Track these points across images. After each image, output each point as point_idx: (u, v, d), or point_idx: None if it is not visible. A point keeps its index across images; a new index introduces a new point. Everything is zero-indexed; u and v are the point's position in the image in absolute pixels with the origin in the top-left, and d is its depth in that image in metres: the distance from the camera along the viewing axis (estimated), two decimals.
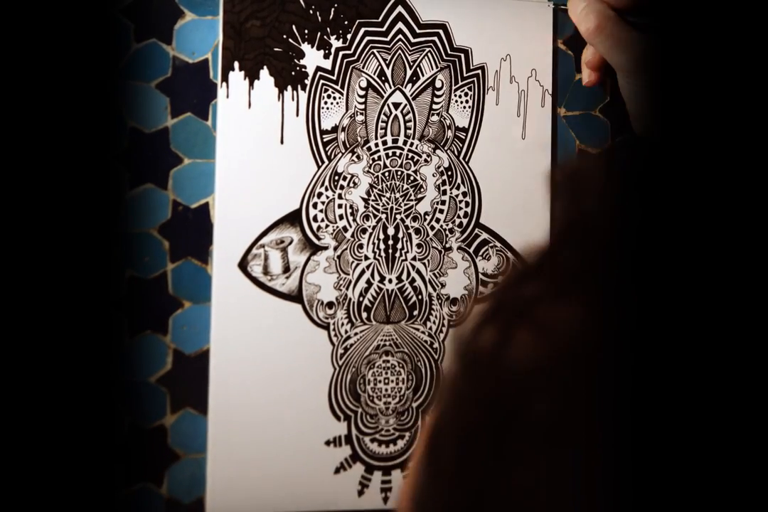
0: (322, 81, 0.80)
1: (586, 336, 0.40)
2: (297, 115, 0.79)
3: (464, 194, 0.82)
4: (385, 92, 0.81)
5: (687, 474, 0.38)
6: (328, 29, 0.80)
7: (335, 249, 0.80)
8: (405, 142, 0.81)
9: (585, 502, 0.38)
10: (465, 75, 0.82)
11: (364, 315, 0.81)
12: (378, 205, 0.81)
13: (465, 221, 0.83)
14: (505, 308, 0.43)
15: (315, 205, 0.80)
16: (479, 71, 0.83)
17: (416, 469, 0.44)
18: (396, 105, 0.81)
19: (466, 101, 0.82)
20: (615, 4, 0.79)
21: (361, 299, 0.81)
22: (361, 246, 0.81)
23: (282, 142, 0.79)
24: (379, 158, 0.81)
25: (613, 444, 0.38)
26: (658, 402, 0.38)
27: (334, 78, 0.80)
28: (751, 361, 0.39)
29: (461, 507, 0.40)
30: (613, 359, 0.39)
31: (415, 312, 0.82)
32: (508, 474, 0.39)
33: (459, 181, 0.82)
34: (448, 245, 0.82)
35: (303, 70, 0.79)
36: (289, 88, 0.79)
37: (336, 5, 0.80)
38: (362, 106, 0.81)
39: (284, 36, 0.79)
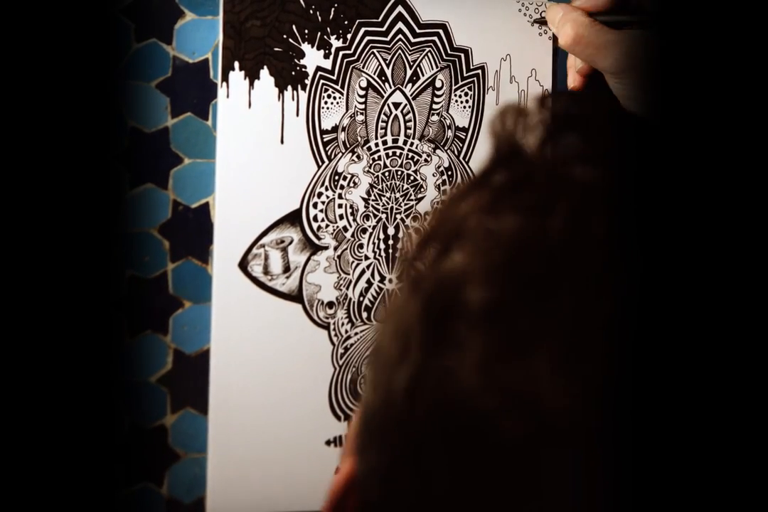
0: (322, 81, 0.80)
1: (518, 237, 0.42)
2: (297, 114, 0.79)
3: None
4: (385, 92, 0.81)
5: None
6: (328, 29, 0.80)
7: (335, 249, 0.80)
8: (405, 142, 0.81)
9: (522, 380, 0.39)
10: (465, 75, 0.82)
11: (365, 315, 0.81)
12: (378, 204, 0.81)
13: None
14: (440, 226, 0.45)
15: (315, 205, 0.80)
16: (479, 71, 0.83)
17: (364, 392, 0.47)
18: (396, 105, 0.81)
19: (466, 101, 0.82)
20: (589, 8, 0.79)
21: (361, 299, 0.81)
22: (361, 246, 0.81)
23: (282, 141, 0.79)
24: (379, 158, 0.81)
25: (540, 324, 0.40)
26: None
27: (334, 78, 0.80)
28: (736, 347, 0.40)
29: (401, 389, 0.42)
30: (538, 253, 0.41)
31: None
32: (442, 359, 0.41)
33: (459, 180, 0.82)
34: None
35: (303, 69, 0.79)
36: (289, 87, 0.79)
37: (336, 5, 0.80)
38: (362, 106, 0.81)
39: (284, 36, 0.79)
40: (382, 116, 0.81)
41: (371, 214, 0.81)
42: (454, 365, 0.41)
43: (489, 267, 0.41)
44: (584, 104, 0.48)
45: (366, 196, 0.81)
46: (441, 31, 0.82)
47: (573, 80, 0.83)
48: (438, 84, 0.82)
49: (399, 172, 0.81)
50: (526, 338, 0.40)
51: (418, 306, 0.43)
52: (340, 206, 0.80)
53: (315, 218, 0.80)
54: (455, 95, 0.82)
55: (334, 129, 0.80)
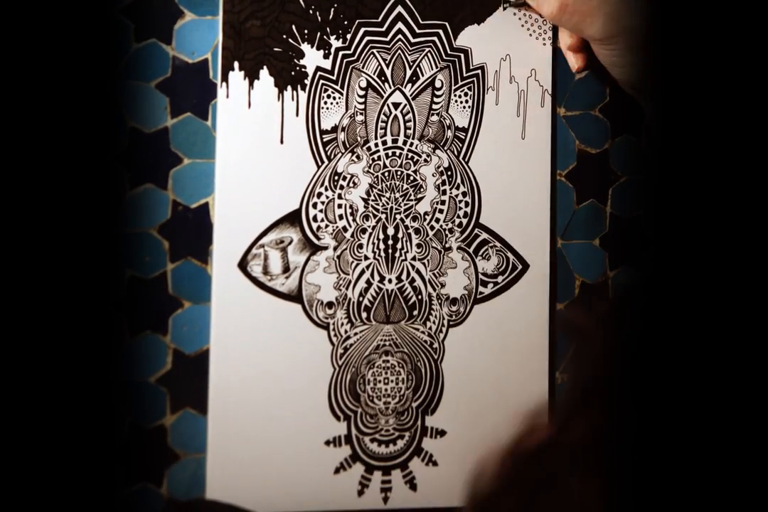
0: (321, 81, 0.80)
1: (606, 503, 0.40)
2: (297, 115, 0.79)
3: (464, 194, 0.82)
4: (384, 92, 0.81)
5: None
6: (328, 29, 0.80)
7: (335, 249, 0.80)
8: (405, 142, 0.81)
9: None
10: (465, 75, 0.82)
11: (364, 315, 0.81)
12: (378, 204, 0.81)
13: (465, 221, 0.83)
14: (524, 478, 0.43)
15: (315, 205, 0.80)
16: (479, 71, 0.83)
17: None
18: (396, 105, 0.81)
19: (466, 101, 0.83)
20: None
21: (360, 299, 0.81)
22: (360, 246, 0.81)
23: (282, 141, 0.79)
24: (379, 158, 0.81)
25: None
26: None
27: (334, 78, 0.80)
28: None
29: None
30: None
31: (415, 312, 0.82)
32: None
33: (459, 180, 0.82)
34: (447, 245, 0.82)
35: (303, 70, 0.79)
36: (289, 88, 0.79)
37: (336, 5, 0.80)
38: (362, 106, 0.81)
39: (284, 36, 0.79)
40: (382, 116, 0.81)
41: (371, 214, 0.81)
42: None
43: None
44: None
45: (366, 196, 0.81)
46: (441, 31, 0.82)
47: (575, 61, 0.83)
48: (438, 84, 0.82)
49: (399, 172, 0.81)
50: None
51: None
52: (339, 206, 0.80)
53: (314, 218, 0.80)
54: (455, 95, 0.82)
55: (334, 129, 0.80)
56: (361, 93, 0.81)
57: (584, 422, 0.43)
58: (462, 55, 0.82)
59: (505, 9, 0.83)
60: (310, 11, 0.79)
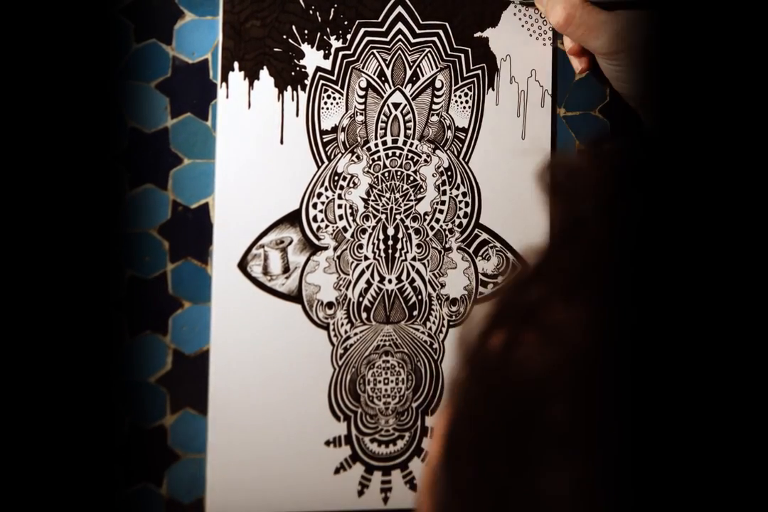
0: (321, 81, 0.80)
1: (593, 338, 0.40)
2: (297, 115, 0.79)
3: (464, 194, 0.82)
4: (384, 92, 0.81)
5: (692, 469, 0.38)
6: (328, 29, 0.80)
7: (335, 249, 0.80)
8: (405, 143, 0.81)
9: (611, 503, 0.38)
10: (465, 75, 0.82)
11: (364, 315, 0.81)
12: (378, 205, 0.81)
13: (465, 221, 0.83)
14: (510, 312, 0.43)
15: (315, 205, 0.80)
16: (479, 71, 0.83)
17: (434, 484, 0.44)
18: (396, 105, 0.81)
19: (466, 101, 0.82)
20: None
21: (360, 299, 0.81)
22: (360, 246, 0.81)
23: (282, 142, 0.79)
24: (379, 158, 0.81)
25: (624, 446, 0.38)
26: (661, 401, 0.38)
27: (334, 78, 0.80)
28: (750, 361, 0.39)
29: None
30: (619, 361, 0.39)
31: (415, 313, 0.82)
32: (532, 482, 0.39)
33: (459, 181, 0.82)
34: (447, 245, 0.82)
35: (303, 70, 0.79)
36: (289, 88, 0.79)
37: (336, 5, 0.80)
38: (362, 107, 0.81)
39: (284, 36, 0.79)
40: (382, 116, 0.81)
41: (371, 215, 0.81)
42: (543, 489, 0.38)
43: (570, 375, 0.39)
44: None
45: (366, 197, 0.81)
46: (441, 32, 0.82)
47: (578, 63, 0.83)
48: (438, 84, 0.82)
49: (399, 173, 0.81)
50: (622, 460, 0.38)
51: (495, 419, 0.40)
52: (339, 206, 0.80)
53: (315, 218, 0.80)
54: (455, 95, 0.82)
55: (334, 129, 0.80)
56: (361, 93, 0.81)
57: (573, 254, 0.43)
58: (462, 56, 0.82)
59: (516, 6, 0.83)
60: (310, 11, 0.79)
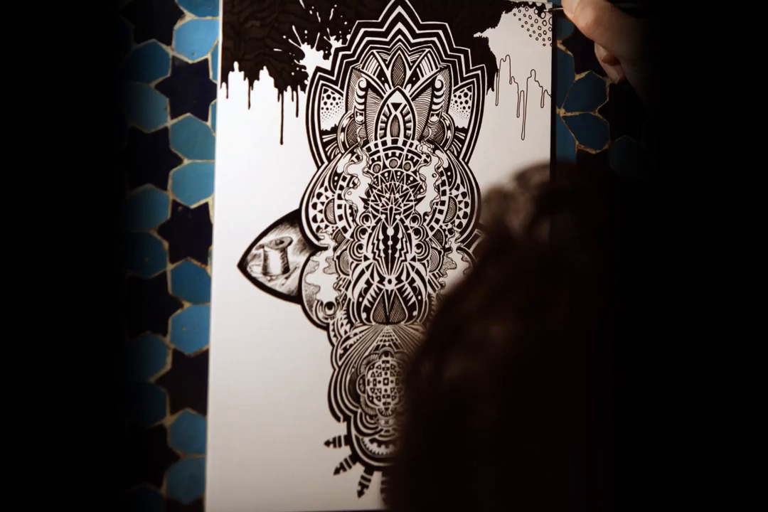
0: (321, 81, 0.80)
1: (514, 345, 0.40)
2: (297, 115, 0.79)
3: (464, 194, 0.82)
4: (384, 93, 0.81)
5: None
6: (328, 30, 0.80)
7: (335, 249, 0.80)
8: (404, 143, 0.81)
9: (538, 497, 0.38)
10: (464, 75, 0.82)
11: (364, 315, 0.81)
12: (377, 205, 0.81)
13: (464, 221, 0.83)
14: (438, 333, 0.44)
15: (314, 206, 0.80)
16: (479, 72, 0.83)
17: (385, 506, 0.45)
18: (395, 105, 0.81)
19: (466, 102, 0.83)
20: None
21: (360, 299, 0.81)
22: (360, 246, 0.81)
23: (282, 142, 0.79)
24: (379, 159, 0.81)
25: (546, 443, 0.39)
26: (581, 401, 0.39)
27: (334, 78, 0.80)
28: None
29: None
30: (539, 366, 0.40)
31: (415, 313, 0.82)
32: (464, 488, 0.40)
33: (458, 181, 0.82)
34: (447, 245, 0.82)
35: (303, 70, 0.79)
36: (289, 88, 0.79)
37: (336, 6, 0.80)
38: (362, 107, 0.81)
39: (284, 36, 0.79)
40: (382, 117, 0.81)
41: (371, 215, 0.81)
42: (468, 495, 0.40)
43: (490, 386, 0.40)
44: (576, 178, 0.47)
45: (365, 197, 0.81)
46: (440, 32, 0.82)
47: (614, 72, 0.83)
48: (437, 84, 0.82)
49: (398, 173, 0.81)
50: (541, 463, 0.39)
51: (424, 436, 0.41)
52: (339, 207, 0.80)
53: (314, 219, 0.80)
54: (455, 96, 0.82)
55: (334, 129, 0.80)
56: (361, 93, 0.81)
57: (494, 270, 0.44)
58: (462, 56, 0.82)
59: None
60: (310, 12, 0.79)
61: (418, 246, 0.82)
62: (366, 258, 0.81)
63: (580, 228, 0.43)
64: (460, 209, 0.82)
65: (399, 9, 0.81)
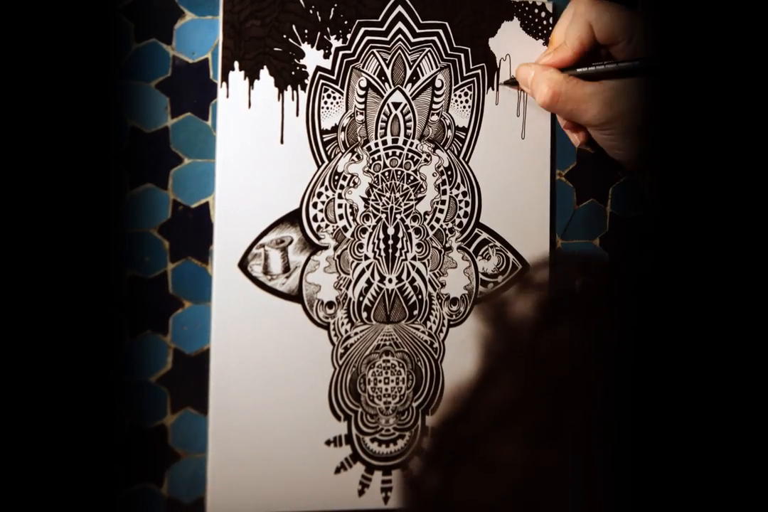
0: (322, 81, 0.80)
1: (528, 470, 0.40)
2: (297, 114, 0.79)
3: (464, 194, 0.82)
4: (384, 92, 0.81)
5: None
6: (328, 29, 0.80)
7: (335, 248, 0.80)
8: (405, 142, 0.81)
9: None
10: (465, 75, 0.82)
11: (364, 314, 0.81)
12: (378, 204, 0.81)
13: (465, 221, 0.83)
14: (445, 448, 0.44)
15: (315, 205, 0.80)
16: (479, 71, 0.83)
17: None
18: (396, 105, 0.81)
19: (466, 101, 0.83)
20: (560, 64, 0.79)
21: (361, 299, 0.81)
22: (361, 245, 0.81)
23: (282, 141, 0.79)
24: (379, 158, 0.81)
25: None
26: None
27: (334, 78, 0.80)
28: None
29: None
30: (559, 493, 0.40)
31: (415, 312, 0.82)
32: None
33: (459, 180, 0.82)
34: (448, 245, 0.82)
35: (303, 69, 0.79)
36: (289, 87, 0.79)
37: (336, 5, 0.80)
38: (362, 106, 0.81)
39: (284, 36, 0.79)
40: (382, 116, 0.81)
41: (371, 214, 0.81)
42: None
43: (516, 504, 0.40)
44: (578, 277, 0.47)
45: (366, 196, 0.81)
46: (441, 31, 0.82)
47: (576, 138, 0.83)
48: (438, 84, 0.82)
49: (399, 172, 0.81)
50: None
51: None
52: (339, 206, 0.80)
53: (315, 218, 0.80)
54: (455, 95, 0.82)
55: (334, 129, 0.80)
56: (361, 93, 0.81)
57: (495, 391, 0.44)
58: (462, 55, 0.82)
59: (496, 89, 0.83)
60: (310, 11, 0.79)
61: (419, 245, 0.82)
62: (366, 258, 0.81)
63: (586, 339, 0.43)
64: (461, 208, 0.82)
65: (399, 8, 0.81)
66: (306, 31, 0.79)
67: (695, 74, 0.59)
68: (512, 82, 0.83)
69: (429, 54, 0.82)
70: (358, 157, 0.81)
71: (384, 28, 0.81)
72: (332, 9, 0.80)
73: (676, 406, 0.40)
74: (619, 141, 0.79)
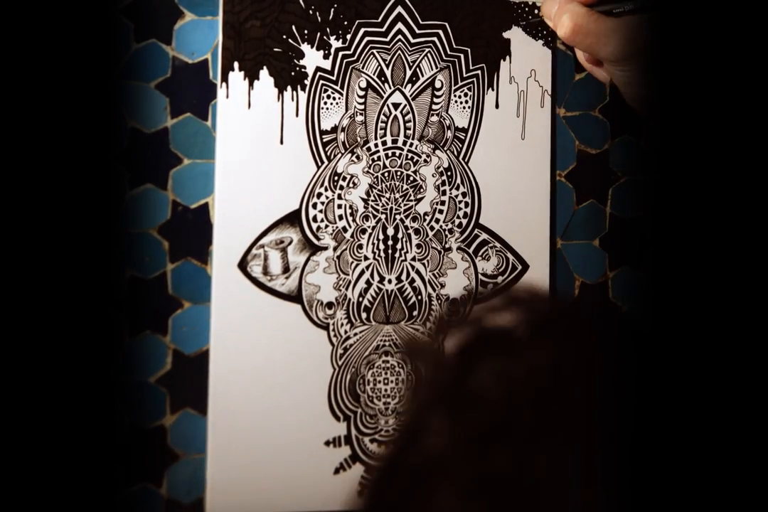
0: (321, 81, 0.80)
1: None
2: (297, 115, 0.79)
3: (464, 194, 0.82)
4: (384, 92, 0.81)
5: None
6: (328, 29, 0.80)
7: (335, 249, 0.80)
8: (404, 143, 0.81)
9: None
10: (464, 75, 0.82)
11: (364, 315, 0.81)
12: (377, 205, 0.81)
13: (464, 221, 0.83)
14: (383, 500, 0.44)
15: (315, 206, 0.80)
16: (479, 72, 0.83)
17: None
18: (396, 105, 0.81)
19: (466, 101, 0.83)
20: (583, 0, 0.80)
21: (360, 299, 0.81)
22: (360, 246, 0.81)
23: (282, 142, 0.79)
24: (379, 158, 0.81)
25: None
26: None
27: (334, 78, 0.80)
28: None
29: None
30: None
31: (415, 313, 0.82)
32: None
33: (458, 181, 0.82)
34: (447, 245, 0.82)
35: (303, 70, 0.79)
36: (289, 88, 0.79)
37: (336, 5, 0.80)
38: (362, 107, 0.81)
39: (284, 36, 0.79)
40: (382, 117, 0.81)
41: (371, 215, 0.81)
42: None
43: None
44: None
45: (365, 197, 0.81)
46: (441, 32, 0.82)
47: (598, 73, 0.83)
48: (437, 84, 0.82)
49: (398, 173, 0.81)
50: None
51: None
52: (339, 207, 0.80)
53: (314, 218, 0.80)
54: (455, 96, 0.82)
55: (334, 129, 0.80)
56: (361, 93, 0.81)
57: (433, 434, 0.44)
58: (462, 56, 0.82)
59: (522, 26, 0.83)
60: (310, 11, 0.79)
61: (418, 246, 0.82)
62: (366, 258, 0.81)
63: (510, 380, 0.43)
64: (460, 209, 0.82)
65: (399, 9, 0.81)
66: (306, 31, 0.79)
67: (702, 10, 0.59)
68: (533, 23, 0.82)
69: (429, 54, 0.82)
70: (357, 157, 0.81)
71: (384, 29, 0.81)
72: (332, 9, 0.80)
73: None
74: (636, 77, 0.79)
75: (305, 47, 0.79)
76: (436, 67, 0.82)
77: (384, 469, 0.45)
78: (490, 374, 0.43)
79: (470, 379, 0.43)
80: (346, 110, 0.80)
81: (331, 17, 0.80)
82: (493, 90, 0.83)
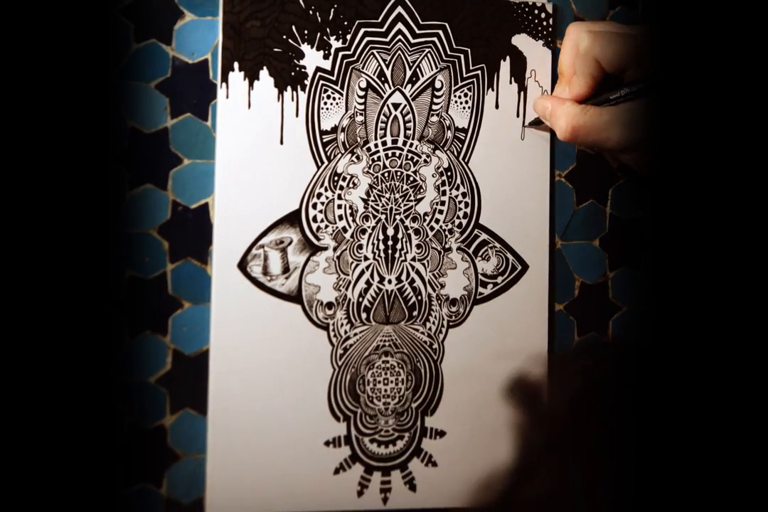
0: (321, 81, 0.80)
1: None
2: (297, 115, 0.79)
3: (464, 195, 0.82)
4: (384, 93, 0.81)
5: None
6: (328, 30, 0.80)
7: (335, 249, 0.80)
8: (404, 143, 0.81)
9: None
10: (464, 76, 0.83)
11: (364, 315, 0.81)
12: (377, 205, 0.81)
13: (464, 222, 0.83)
14: None
15: (314, 206, 0.80)
16: (479, 72, 0.83)
17: None
18: (396, 105, 0.81)
19: (466, 102, 0.83)
20: (576, 99, 0.79)
21: (360, 300, 0.81)
22: (360, 246, 0.81)
23: (282, 142, 0.79)
24: (379, 159, 0.81)
25: None
26: None
27: (334, 78, 0.80)
28: None
29: None
30: None
31: (415, 313, 0.82)
32: None
33: (458, 181, 0.82)
34: (447, 246, 0.82)
35: (303, 70, 0.79)
36: (289, 88, 0.79)
37: (336, 6, 0.80)
38: (362, 107, 0.81)
39: (284, 36, 0.79)
40: (382, 117, 0.81)
41: (371, 215, 0.81)
42: None
43: None
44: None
45: (365, 197, 0.81)
46: (441, 32, 0.82)
47: (611, 160, 0.83)
48: (437, 84, 0.82)
49: (398, 173, 0.81)
50: None
51: None
52: (339, 207, 0.80)
53: (314, 219, 0.80)
54: (455, 96, 0.82)
55: (334, 129, 0.80)
56: (361, 93, 0.81)
57: (543, 475, 0.44)
58: (462, 56, 0.82)
59: (524, 127, 0.83)
60: (310, 12, 0.79)
61: (418, 246, 0.82)
62: (366, 259, 0.81)
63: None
64: (460, 209, 0.82)
65: (399, 9, 0.81)
66: (306, 31, 0.79)
67: (699, 86, 0.59)
68: (537, 122, 0.82)
69: (429, 55, 0.82)
70: (357, 157, 0.81)
71: (384, 29, 0.81)
72: (332, 10, 0.80)
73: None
74: (643, 160, 0.78)
75: (305, 47, 0.79)
76: (436, 68, 0.82)
77: (490, 505, 0.45)
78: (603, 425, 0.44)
79: (584, 432, 0.43)
80: (346, 110, 0.80)
81: (331, 17, 0.80)
82: (493, 90, 0.83)
